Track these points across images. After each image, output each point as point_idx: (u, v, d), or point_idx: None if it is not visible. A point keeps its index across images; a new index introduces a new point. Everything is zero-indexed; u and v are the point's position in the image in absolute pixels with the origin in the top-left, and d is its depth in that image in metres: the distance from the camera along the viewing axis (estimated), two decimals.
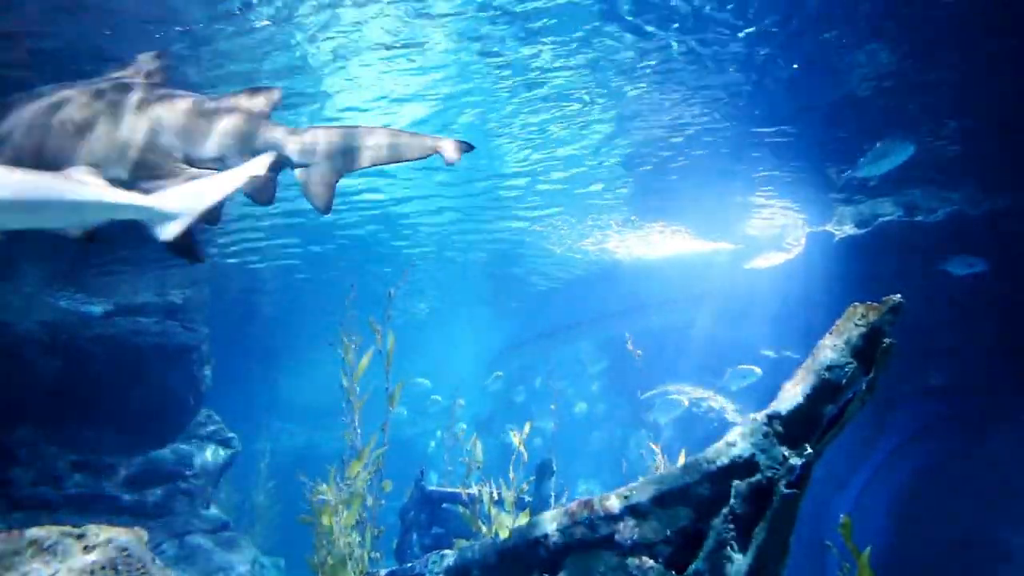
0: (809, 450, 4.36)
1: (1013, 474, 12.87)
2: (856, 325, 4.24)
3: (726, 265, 18.61)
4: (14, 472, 13.17)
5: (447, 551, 7.02)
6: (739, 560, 4.48)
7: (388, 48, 8.43)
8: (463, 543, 6.74)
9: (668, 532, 4.83)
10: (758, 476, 4.50)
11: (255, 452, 23.53)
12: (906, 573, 12.66)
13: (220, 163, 4.72)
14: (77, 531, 4.36)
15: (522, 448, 8.07)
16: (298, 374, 31.58)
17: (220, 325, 18.16)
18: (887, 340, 4.13)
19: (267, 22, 7.63)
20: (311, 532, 6.82)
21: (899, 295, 4.14)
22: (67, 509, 13.12)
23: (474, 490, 8.28)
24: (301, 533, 7.37)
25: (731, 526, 4.55)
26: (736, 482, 4.57)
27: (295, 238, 16.26)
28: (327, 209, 4.73)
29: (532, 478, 8.85)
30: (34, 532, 4.24)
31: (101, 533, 4.39)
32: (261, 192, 4.79)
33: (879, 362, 4.15)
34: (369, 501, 6.85)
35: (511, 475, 8.13)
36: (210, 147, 4.70)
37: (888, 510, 14.06)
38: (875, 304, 4.23)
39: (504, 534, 6.16)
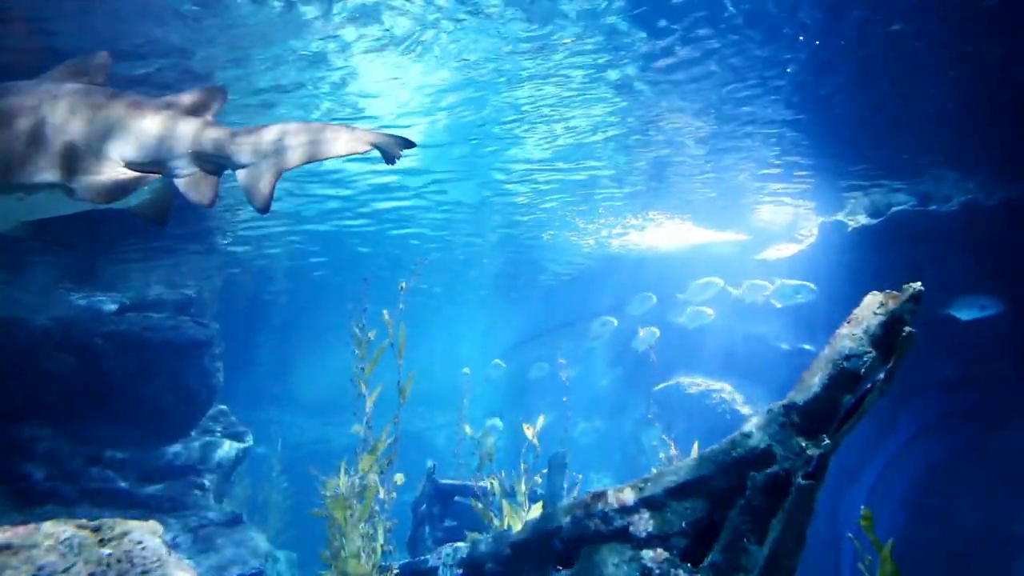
0: (826, 441, 4.31)
1: None
2: (875, 314, 4.17)
3: (737, 257, 18.50)
4: (28, 467, 13.26)
5: (460, 544, 7.02)
6: (755, 552, 4.44)
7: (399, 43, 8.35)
8: (476, 536, 6.73)
9: (683, 524, 4.79)
10: (775, 467, 4.45)
11: (267, 446, 23.65)
12: (920, 566, 12.58)
13: (160, 165, 4.63)
14: (92, 525, 4.36)
15: (535, 440, 8.05)
16: (311, 368, 31.68)
17: (231, 319, 18.22)
18: (907, 329, 4.05)
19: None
20: (324, 526, 6.83)
21: (919, 283, 4.06)
22: (81, 503, 13.21)
23: (486, 483, 8.27)
24: (314, 527, 7.38)
25: (747, 518, 4.50)
26: (753, 473, 4.52)
27: (305, 232, 16.27)
28: (266, 208, 4.67)
29: (545, 471, 8.83)
30: (49, 526, 4.24)
31: (116, 527, 4.38)
32: (199, 192, 4.63)
33: (899, 351, 4.08)
34: (382, 494, 6.84)
35: (523, 467, 8.12)
36: (150, 149, 4.62)
37: (902, 502, 13.98)
38: (894, 292, 4.16)
39: (517, 527, 6.15)
